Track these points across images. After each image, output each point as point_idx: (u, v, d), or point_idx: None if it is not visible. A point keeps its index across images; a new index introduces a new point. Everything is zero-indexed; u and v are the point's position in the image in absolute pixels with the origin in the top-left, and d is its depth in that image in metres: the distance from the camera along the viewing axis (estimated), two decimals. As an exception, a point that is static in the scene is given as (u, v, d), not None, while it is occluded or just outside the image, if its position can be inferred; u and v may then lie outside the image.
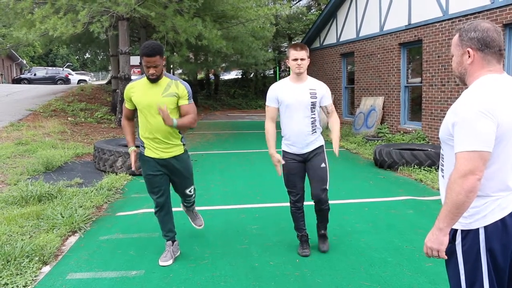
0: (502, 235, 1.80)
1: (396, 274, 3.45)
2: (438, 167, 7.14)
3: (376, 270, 3.52)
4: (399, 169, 7.31)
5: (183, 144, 3.70)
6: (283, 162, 3.74)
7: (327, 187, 3.76)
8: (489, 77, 1.83)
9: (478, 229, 1.82)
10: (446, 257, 1.86)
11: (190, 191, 3.87)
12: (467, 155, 1.71)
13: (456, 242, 1.87)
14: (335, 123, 3.81)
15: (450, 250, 1.88)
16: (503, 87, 1.80)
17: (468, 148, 1.71)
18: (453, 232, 1.87)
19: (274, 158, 3.72)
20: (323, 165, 3.74)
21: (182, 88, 3.53)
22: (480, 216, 1.81)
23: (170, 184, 3.80)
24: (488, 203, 1.81)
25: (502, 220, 1.80)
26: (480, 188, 1.77)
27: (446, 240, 1.82)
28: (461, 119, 1.74)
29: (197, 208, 5.27)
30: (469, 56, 1.85)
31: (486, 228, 1.81)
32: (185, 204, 4.09)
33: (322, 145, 3.81)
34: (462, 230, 1.85)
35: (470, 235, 1.83)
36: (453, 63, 1.95)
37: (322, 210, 3.82)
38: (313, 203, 3.82)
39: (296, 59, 3.58)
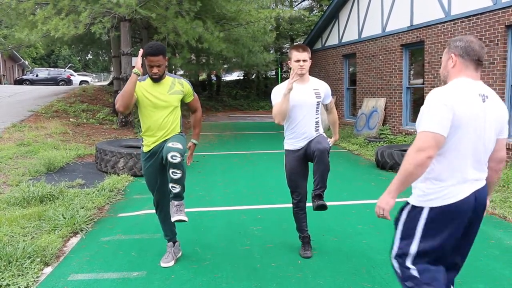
0: (445, 219, 2.12)
1: (398, 275, 3.43)
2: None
3: (378, 272, 3.51)
4: (401, 170, 7.28)
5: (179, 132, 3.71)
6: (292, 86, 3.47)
7: (327, 148, 3.52)
8: (463, 79, 2.17)
9: (423, 208, 2.15)
10: (389, 218, 2.19)
11: (173, 145, 3.34)
12: (423, 134, 2.04)
13: (403, 211, 2.24)
14: (335, 121, 4.03)
15: (397, 217, 2.27)
16: (471, 89, 2.13)
17: (425, 128, 2.03)
18: (405, 203, 2.25)
19: (288, 86, 3.47)
20: (323, 136, 3.69)
21: (187, 86, 3.66)
22: (430, 197, 2.13)
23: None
24: (441, 188, 2.12)
25: (449, 206, 2.10)
26: (435, 173, 2.11)
27: (392, 202, 2.14)
28: (425, 107, 2.10)
29: (198, 209, 5.29)
30: (452, 61, 2.21)
31: (431, 209, 2.13)
32: (172, 176, 3.36)
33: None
34: (412, 205, 2.20)
35: (416, 210, 2.18)
36: (441, 69, 2.33)
37: (321, 158, 3.49)
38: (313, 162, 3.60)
39: (298, 60, 3.58)
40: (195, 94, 3.81)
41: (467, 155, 2.12)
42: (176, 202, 3.45)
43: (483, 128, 2.12)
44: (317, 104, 3.70)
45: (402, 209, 2.26)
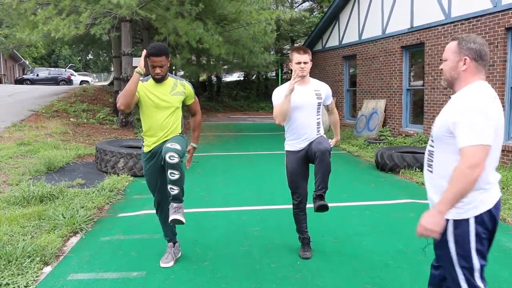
0: (489, 223, 2.09)
1: (397, 277, 3.44)
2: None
3: (377, 273, 3.52)
4: (400, 172, 7.30)
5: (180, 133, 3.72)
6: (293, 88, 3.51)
7: (328, 148, 3.55)
8: (481, 83, 2.11)
9: (468, 219, 2.06)
10: (439, 239, 2.08)
11: (172, 145, 3.35)
12: (475, 148, 1.93)
13: (448, 232, 2.10)
14: (336, 122, 4.05)
15: (442, 239, 2.11)
16: (491, 92, 2.09)
17: (475, 142, 1.93)
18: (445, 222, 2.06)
19: (290, 86, 3.50)
20: (323, 137, 3.72)
21: (189, 88, 3.69)
22: (470, 206, 2.05)
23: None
24: (480, 194, 2.06)
25: (489, 210, 2.07)
26: None
27: (443, 222, 2.02)
28: (466, 117, 1.97)
29: (198, 209, 5.29)
30: (464, 64, 2.11)
31: (476, 218, 2.06)
32: (170, 177, 3.36)
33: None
34: (454, 220, 2.08)
35: (462, 224, 2.07)
36: (445, 67, 2.20)
37: (323, 158, 3.51)
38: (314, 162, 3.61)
39: (299, 63, 3.59)
40: (196, 97, 3.83)
41: (495, 159, 2.10)
42: (174, 205, 3.45)
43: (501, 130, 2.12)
44: (318, 105, 3.72)
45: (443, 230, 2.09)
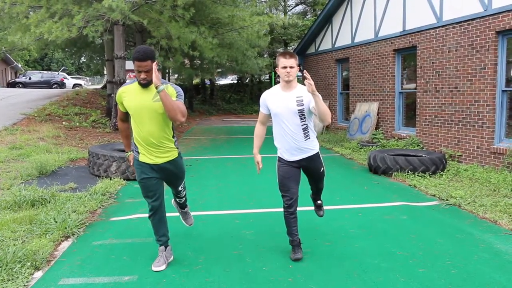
0: None
1: (389, 279, 3.45)
2: (432, 172, 7.15)
3: (370, 276, 3.52)
4: (393, 175, 7.33)
5: (177, 148, 3.70)
6: (261, 166, 4.02)
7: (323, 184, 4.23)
8: None
9: None
10: None
11: (181, 187, 4.05)
12: None
13: None
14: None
15: None
16: None
17: None
18: None
19: (256, 157, 4.01)
20: (322, 169, 3.99)
21: (171, 89, 3.50)
22: None
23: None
24: None
25: None
26: None
27: None
28: None
29: (191, 213, 5.28)
30: None
31: None
32: (177, 200, 4.24)
33: (318, 152, 3.89)
34: None
35: None
36: None
37: (319, 195, 4.36)
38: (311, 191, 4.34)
39: (285, 67, 3.60)
40: (181, 100, 3.54)
41: None
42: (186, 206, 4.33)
43: None
44: (300, 112, 3.66)
45: None
